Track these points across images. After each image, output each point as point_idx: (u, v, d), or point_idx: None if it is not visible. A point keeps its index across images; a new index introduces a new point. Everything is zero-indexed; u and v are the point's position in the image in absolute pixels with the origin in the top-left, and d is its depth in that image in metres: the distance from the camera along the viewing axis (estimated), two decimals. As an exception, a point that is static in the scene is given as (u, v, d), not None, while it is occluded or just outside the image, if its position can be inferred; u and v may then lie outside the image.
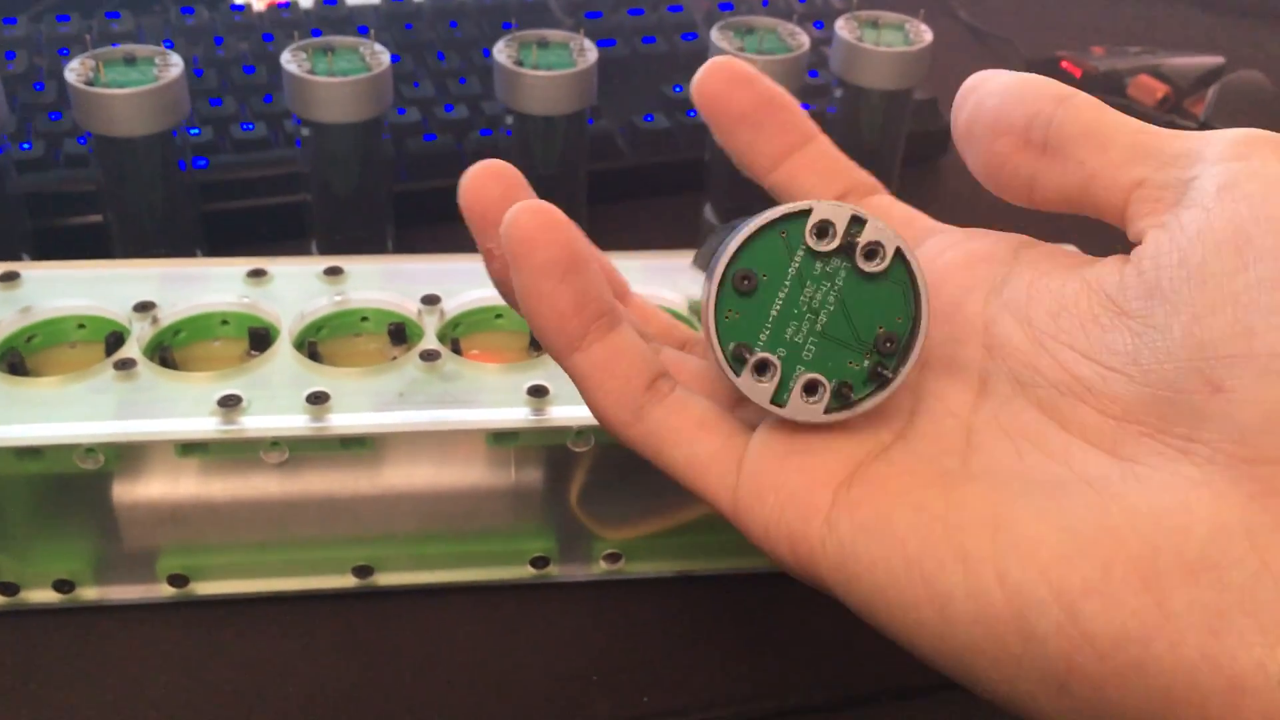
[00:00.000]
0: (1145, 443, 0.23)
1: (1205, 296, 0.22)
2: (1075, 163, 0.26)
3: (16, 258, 0.51)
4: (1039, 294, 0.26)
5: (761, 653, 0.40)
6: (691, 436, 0.27)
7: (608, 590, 0.41)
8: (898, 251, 0.26)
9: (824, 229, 0.26)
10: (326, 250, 0.53)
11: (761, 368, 0.26)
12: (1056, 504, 0.22)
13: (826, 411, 0.26)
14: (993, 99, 0.28)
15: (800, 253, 0.26)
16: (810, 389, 0.26)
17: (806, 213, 0.26)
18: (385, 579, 0.40)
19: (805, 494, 0.25)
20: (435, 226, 0.58)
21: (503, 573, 0.40)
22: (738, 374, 0.26)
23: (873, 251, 0.26)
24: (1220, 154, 0.24)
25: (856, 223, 0.26)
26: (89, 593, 0.39)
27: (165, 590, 0.39)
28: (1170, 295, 0.23)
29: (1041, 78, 0.28)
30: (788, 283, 0.26)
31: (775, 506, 0.26)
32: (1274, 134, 0.24)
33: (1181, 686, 0.20)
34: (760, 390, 0.26)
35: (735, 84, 0.32)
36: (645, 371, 0.28)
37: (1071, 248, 0.29)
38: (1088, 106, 0.27)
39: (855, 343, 0.26)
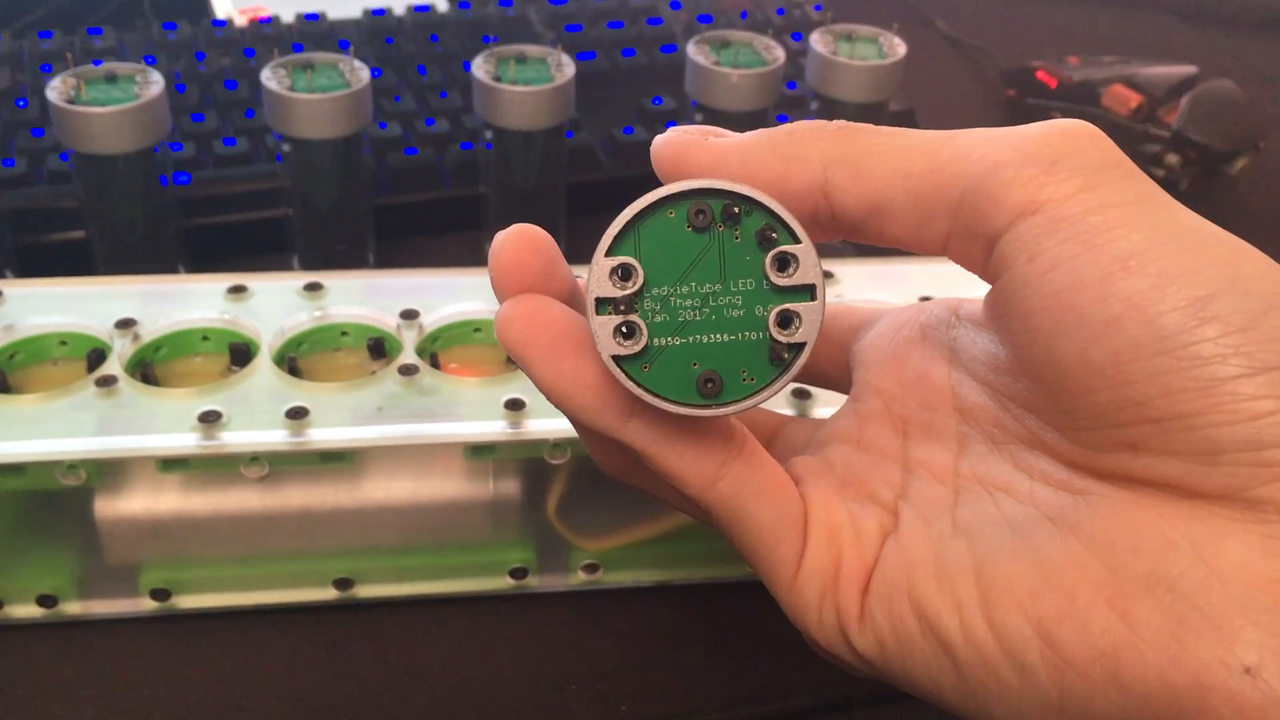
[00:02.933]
0: (1092, 482, 0.24)
1: (1075, 379, 0.23)
2: (878, 235, 0.26)
3: (-1, 274, 0.51)
4: (981, 354, 0.27)
5: (739, 660, 0.40)
6: (774, 495, 0.26)
7: (586, 600, 0.42)
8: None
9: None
10: (308, 265, 0.53)
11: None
12: (1026, 543, 0.24)
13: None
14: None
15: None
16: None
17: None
18: (366, 591, 0.40)
19: (846, 595, 0.26)
20: (416, 239, 0.59)
21: (482, 584, 0.41)
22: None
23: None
24: (1015, 206, 0.23)
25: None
26: (72, 607, 0.39)
27: (147, 604, 0.39)
28: (1045, 378, 0.24)
29: (761, 149, 0.26)
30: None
31: (829, 608, 0.26)
32: (1045, 142, 0.24)
33: (1156, 691, 0.21)
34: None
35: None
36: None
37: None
38: (849, 183, 0.25)
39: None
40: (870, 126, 0.26)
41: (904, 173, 0.25)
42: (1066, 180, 0.23)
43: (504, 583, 0.41)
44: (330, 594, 0.40)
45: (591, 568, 0.41)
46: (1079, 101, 0.69)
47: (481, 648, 0.40)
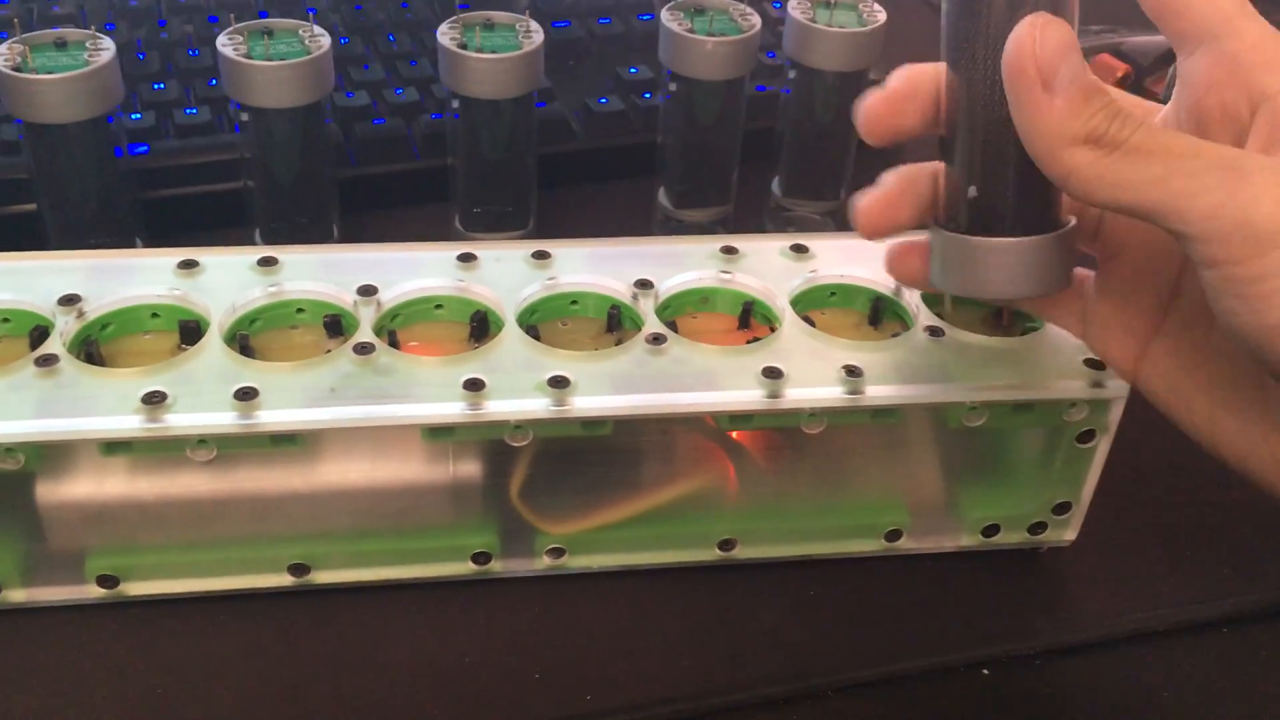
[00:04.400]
0: None
1: None
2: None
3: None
4: None
5: (707, 648, 0.39)
6: None
7: (551, 585, 0.40)
8: None
9: None
10: (270, 238, 0.52)
11: None
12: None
13: None
14: None
15: None
16: None
17: None
18: (322, 577, 0.39)
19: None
20: (384, 212, 0.57)
21: (443, 569, 0.40)
22: None
23: None
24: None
25: None
26: (15, 595, 0.38)
27: (94, 591, 0.38)
28: None
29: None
30: None
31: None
32: None
33: None
34: None
35: None
36: None
37: None
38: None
39: None
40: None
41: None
42: None
43: (466, 568, 0.40)
44: (285, 580, 0.39)
45: (557, 552, 0.40)
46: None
47: (442, 635, 0.39)
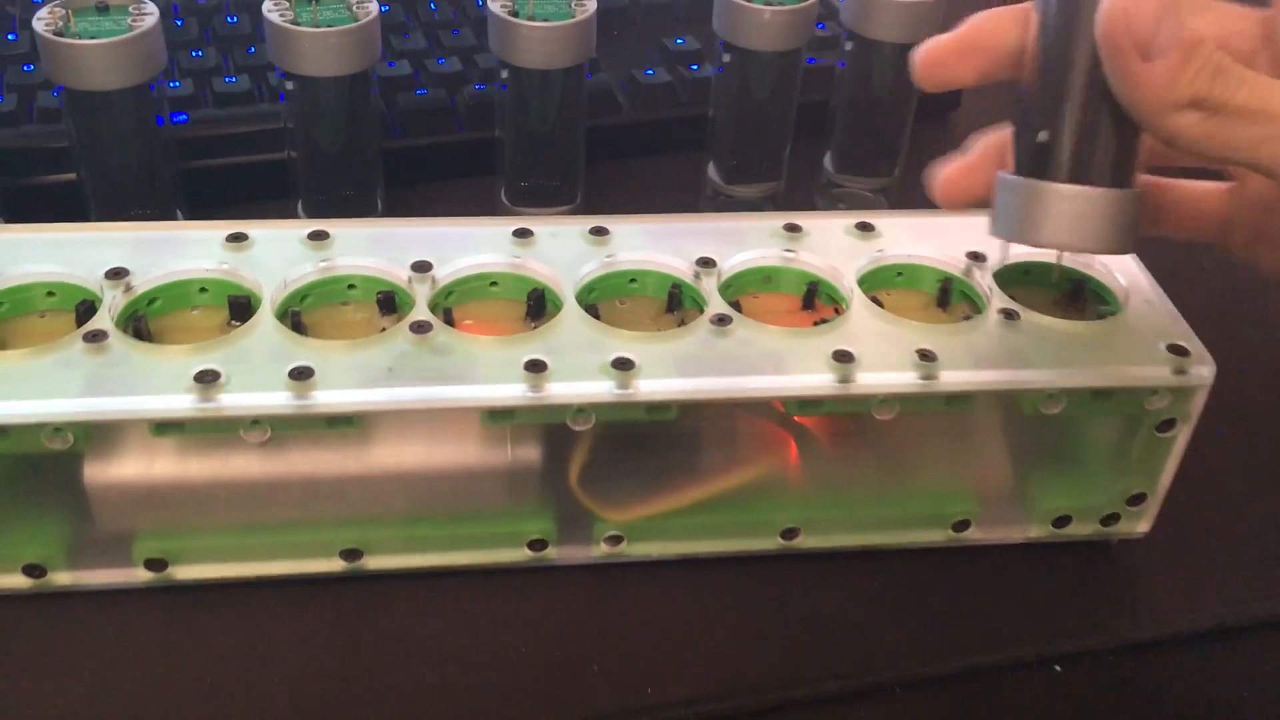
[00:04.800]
0: None
1: None
2: None
3: (-14, 218, 0.48)
4: None
5: (768, 640, 0.38)
6: None
7: (609, 574, 0.39)
8: None
9: None
10: (312, 211, 0.51)
11: None
12: None
13: None
14: None
15: None
16: None
17: None
18: (375, 562, 0.38)
19: None
20: (428, 186, 0.56)
21: (498, 555, 0.38)
22: None
23: None
24: None
25: None
26: (61, 577, 0.37)
27: (142, 575, 0.37)
28: None
29: None
30: None
31: None
32: None
33: None
34: None
35: None
36: None
37: None
38: None
39: None
40: None
41: None
42: None
43: (521, 555, 0.38)
44: (337, 565, 0.38)
45: (615, 539, 0.39)
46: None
47: (497, 624, 0.38)
